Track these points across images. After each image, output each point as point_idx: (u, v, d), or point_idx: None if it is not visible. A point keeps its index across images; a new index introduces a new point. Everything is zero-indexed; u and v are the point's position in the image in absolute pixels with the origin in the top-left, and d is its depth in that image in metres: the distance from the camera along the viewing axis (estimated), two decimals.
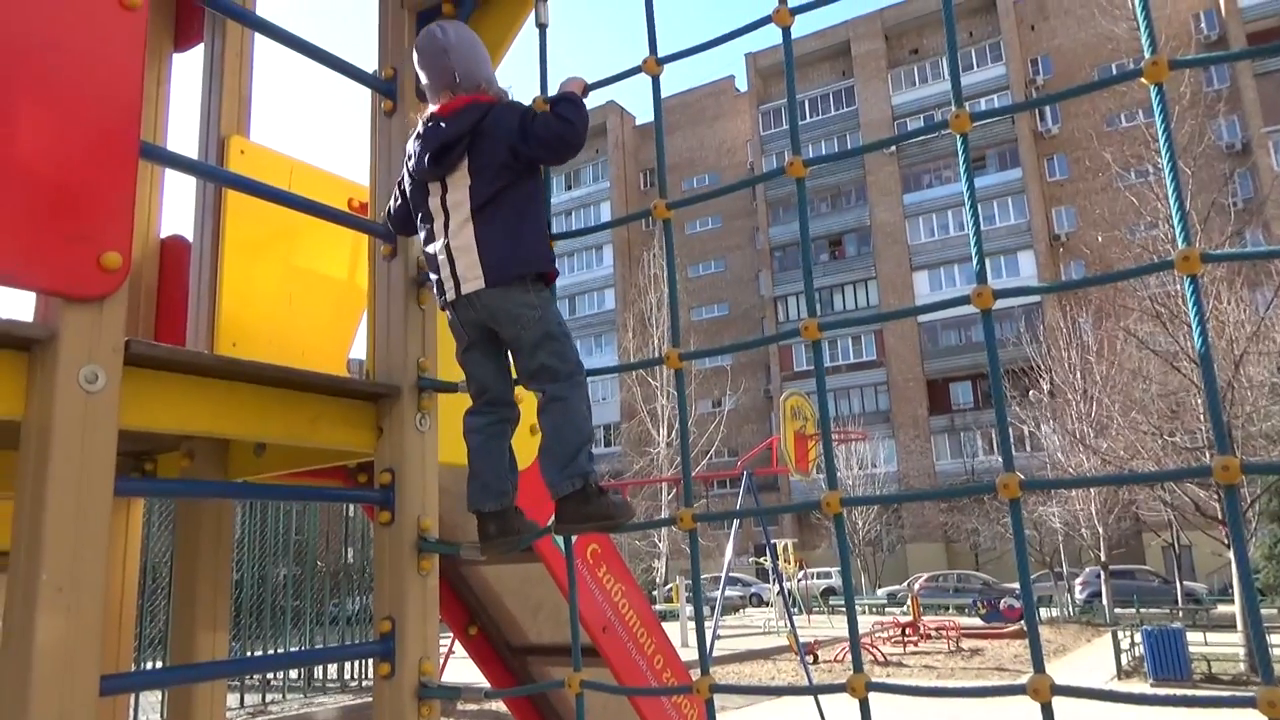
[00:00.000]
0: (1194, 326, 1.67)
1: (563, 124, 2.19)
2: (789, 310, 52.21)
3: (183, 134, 3.75)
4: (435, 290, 2.22)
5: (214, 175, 2.61)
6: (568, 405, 2.14)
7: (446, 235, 2.16)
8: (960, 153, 1.88)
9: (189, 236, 2.75)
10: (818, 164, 2.19)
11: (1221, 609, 23.72)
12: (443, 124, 2.19)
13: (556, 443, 2.11)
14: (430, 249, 2.21)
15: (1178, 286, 15.33)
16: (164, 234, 2.88)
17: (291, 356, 2.56)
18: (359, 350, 2.76)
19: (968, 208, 1.84)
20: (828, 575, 38.31)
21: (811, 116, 53.57)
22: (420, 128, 2.25)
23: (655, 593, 29.43)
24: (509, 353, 2.22)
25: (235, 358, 2.17)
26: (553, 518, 2.14)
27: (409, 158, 2.26)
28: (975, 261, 1.84)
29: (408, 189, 2.30)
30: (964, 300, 1.84)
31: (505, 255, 2.12)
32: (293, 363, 2.18)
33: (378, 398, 2.30)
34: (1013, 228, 46.94)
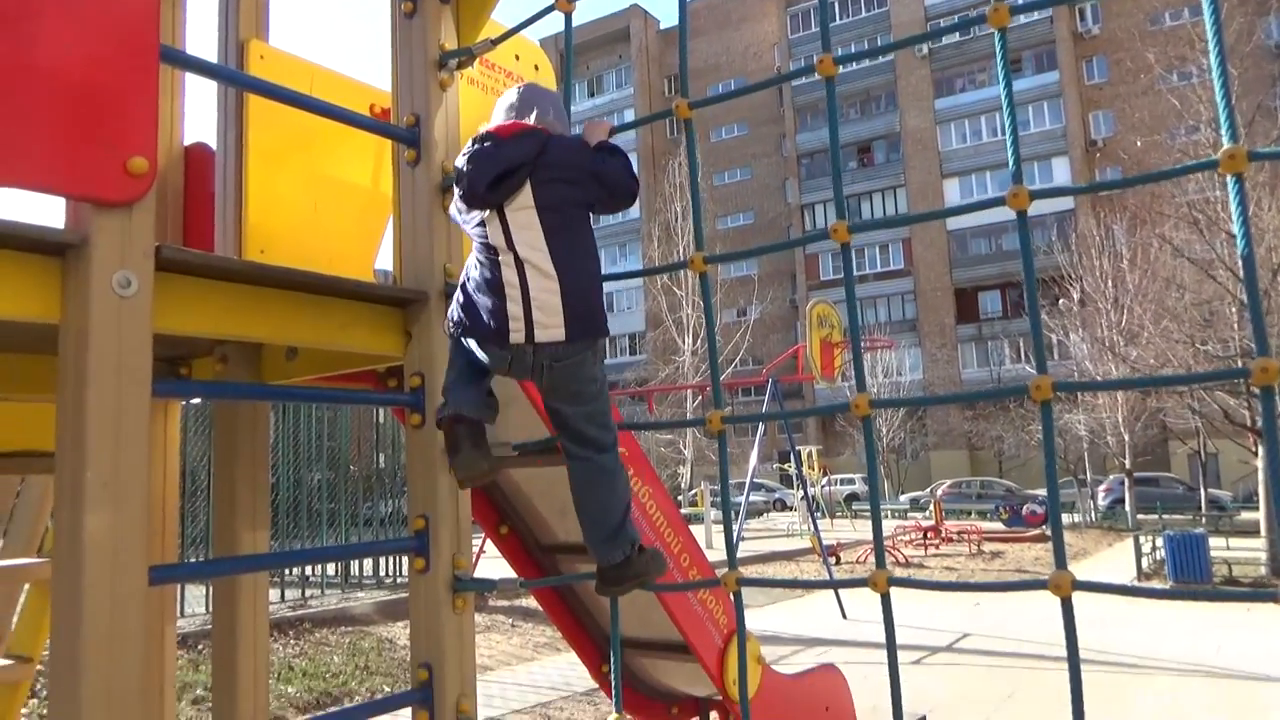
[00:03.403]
0: (1236, 228, 1.63)
1: (633, 181, 2.10)
2: (815, 218, 51.47)
3: (201, 39, 3.70)
4: (485, 332, 2.03)
5: (235, 79, 2.58)
6: (613, 476, 2.15)
7: (521, 273, 2.00)
8: (998, 49, 1.82)
9: (212, 145, 2.74)
10: (849, 61, 2.13)
11: (1245, 515, 23.84)
12: (501, 147, 2.01)
13: (604, 514, 2.15)
14: (490, 280, 2.04)
15: (1217, 192, 14.94)
16: (187, 141, 2.87)
17: (319, 264, 2.56)
18: (385, 259, 2.77)
19: (1004, 105, 1.79)
20: (851, 481, 38.79)
21: (841, 18, 51.79)
22: (469, 147, 2.08)
23: (680, 498, 29.93)
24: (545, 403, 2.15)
25: (264, 263, 2.18)
26: (597, 580, 2.21)
27: (460, 182, 2.07)
28: (1011, 161, 1.79)
29: (457, 215, 2.14)
30: (999, 202, 1.81)
31: (589, 307, 2.03)
32: (320, 270, 2.19)
33: (406, 303, 2.31)
34: (1048, 133, 45.65)
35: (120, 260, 1.61)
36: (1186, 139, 16.42)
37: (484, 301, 2.04)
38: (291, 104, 2.22)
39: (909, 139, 49.69)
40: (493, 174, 1.99)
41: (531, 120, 2.09)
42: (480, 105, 2.54)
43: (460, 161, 2.09)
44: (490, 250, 2.05)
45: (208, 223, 2.68)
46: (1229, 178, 1.63)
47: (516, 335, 2.01)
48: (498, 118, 2.15)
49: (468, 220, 2.10)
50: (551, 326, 1.99)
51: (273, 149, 2.66)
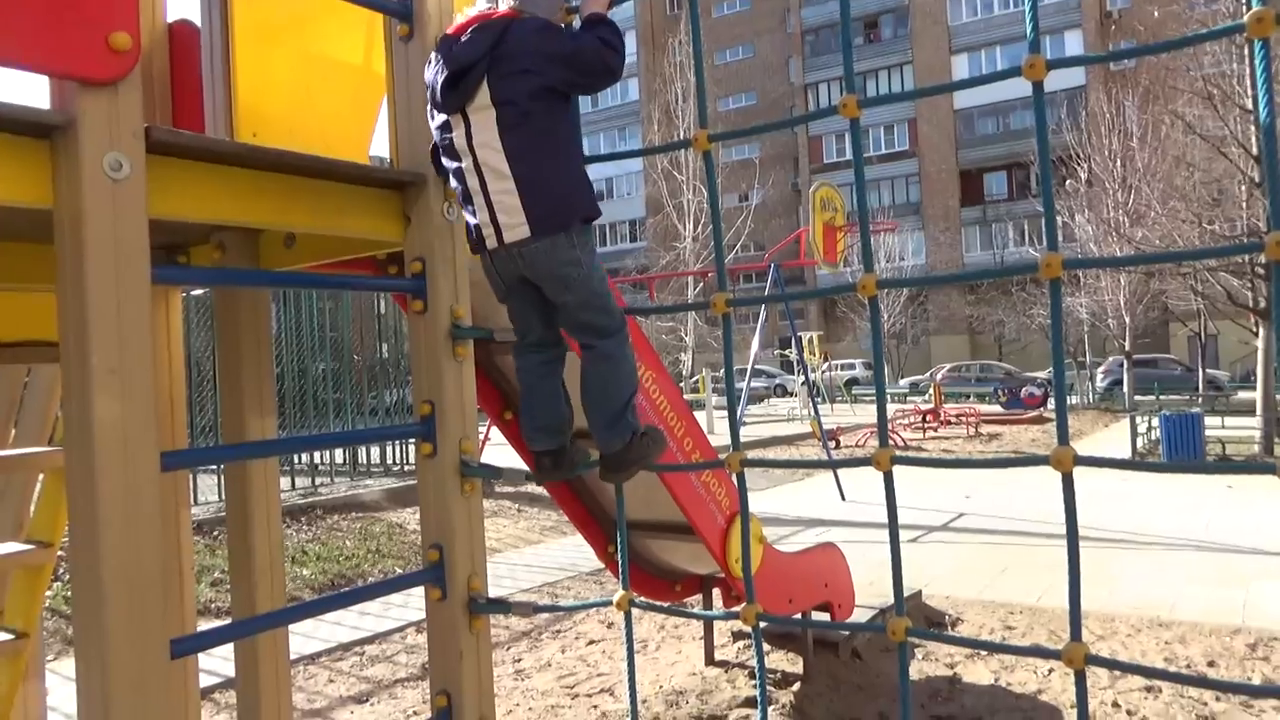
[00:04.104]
0: (1261, 96, 1.58)
1: (611, 54, 1.99)
2: (820, 98, 50.24)
3: None
4: (471, 236, 2.08)
5: None
6: (616, 363, 2.14)
7: (480, 177, 2.00)
8: None
9: (196, 22, 2.64)
10: None
11: (1242, 395, 24.08)
12: (453, 48, 1.99)
13: (605, 399, 2.14)
14: (461, 191, 2.06)
15: (1234, 65, 14.51)
16: (170, 19, 2.76)
17: (313, 147, 2.50)
18: (380, 145, 2.70)
19: None
20: (851, 366, 39.07)
21: None
22: (432, 53, 2.06)
23: (682, 384, 30.23)
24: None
25: (258, 145, 2.12)
26: (600, 466, 2.25)
27: (428, 88, 2.07)
28: (1030, 29, 1.73)
29: (432, 125, 2.11)
30: (1015, 73, 1.75)
31: (551, 199, 1.98)
32: (315, 153, 2.14)
33: (404, 186, 2.27)
34: (1061, 4, 44.05)
35: (109, 142, 1.57)
36: (1205, 9, 15.85)
37: (466, 209, 2.07)
38: None
39: (918, 12, 48.02)
40: (446, 77, 1.98)
41: (503, 6, 2.02)
42: None
43: (427, 73, 2.08)
44: (455, 156, 2.04)
45: (196, 106, 2.60)
46: (1254, 44, 1.57)
47: (490, 240, 2.04)
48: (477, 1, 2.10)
49: (435, 126, 2.09)
50: (515, 226, 1.99)
51: (261, 26, 2.56)
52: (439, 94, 2.01)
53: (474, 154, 2.00)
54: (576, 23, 2.17)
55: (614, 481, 2.31)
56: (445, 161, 2.09)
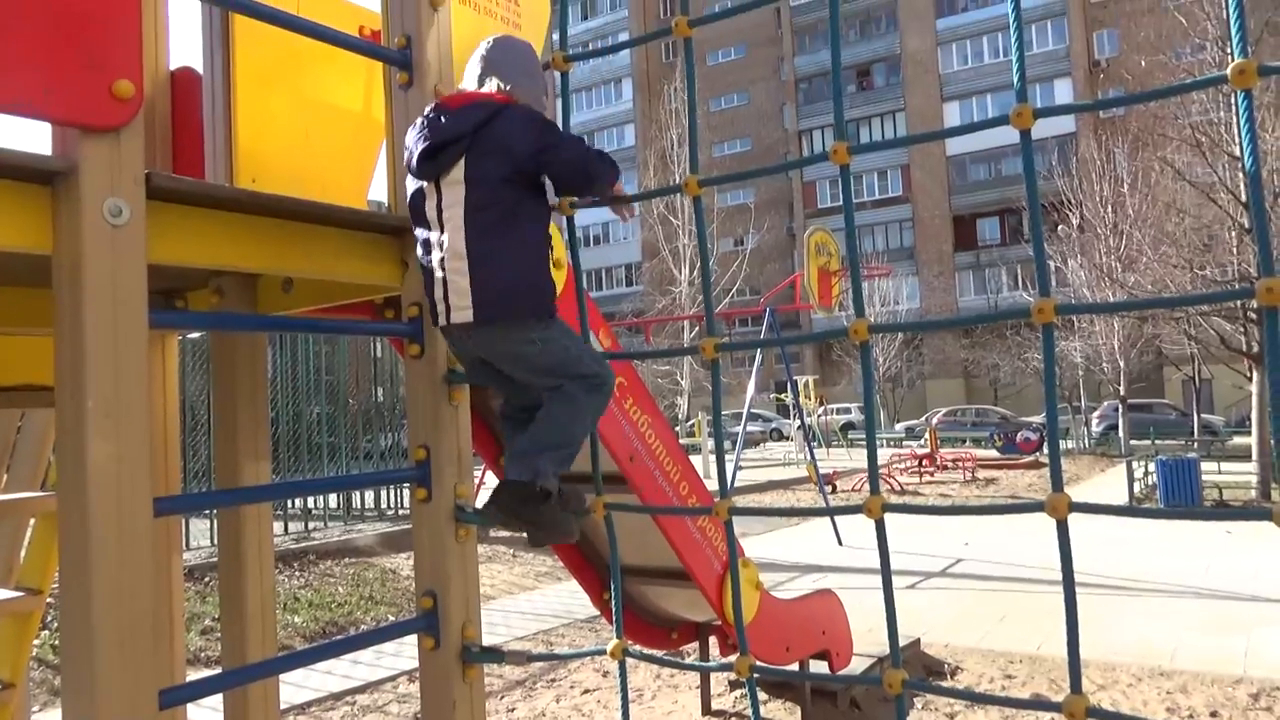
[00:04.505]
0: (1244, 144, 1.60)
1: (596, 164, 2.01)
2: (813, 144, 50.84)
3: None
4: (430, 307, 2.06)
5: None
6: (574, 406, 2.04)
7: (441, 250, 1.98)
8: None
9: (198, 69, 2.68)
10: None
11: (1237, 440, 24.07)
12: (443, 118, 1.98)
13: (540, 430, 2.03)
14: (426, 262, 2.04)
15: (1221, 114, 14.72)
16: (173, 66, 2.80)
17: (312, 192, 2.52)
18: (379, 190, 2.73)
19: (1011, 17, 1.75)
20: (847, 410, 39.06)
21: None
22: (420, 118, 2.06)
23: (678, 428, 30.16)
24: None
25: (257, 191, 2.15)
26: (492, 492, 2.08)
27: (406, 151, 2.05)
28: (1016, 78, 1.76)
29: (407, 187, 2.10)
30: (1002, 121, 1.78)
31: (500, 290, 1.93)
32: (313, 198, 2.16)
33: (401, 231, 2.28)
34: (1050, 53, 44.86)
35: (110, 188, 1.59)
36: (1192, 59, 16.12)
37: (426, 280, 2.05)
38: (278, 24, 2.16)
39: (909, 61, 48.83)
40: (429, 145, 1.97)
41: (491, 87, 2.04)
42: (473, 25, 2.47)
43: (409, 135, 2.06)
44: (424, 224, 2.03)
45: (197, 151, 2.63)
46: (1238, 94, 1.60)
47: (440, 318, 2.02)
48: (470, 72, 2.13)
49: (408, 189, 2.09)
50: (462, 308, 1.96)
51: (262, 73, 2.60)
52: (415, 160, 2.01)
53: (441, 227, 2.00)
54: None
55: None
56: (414, 228, 2.09)
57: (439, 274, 1.99)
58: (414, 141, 2.03)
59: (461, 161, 1.97)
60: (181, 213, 1.83)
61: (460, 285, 1.95)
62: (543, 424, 2.04)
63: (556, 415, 2.04)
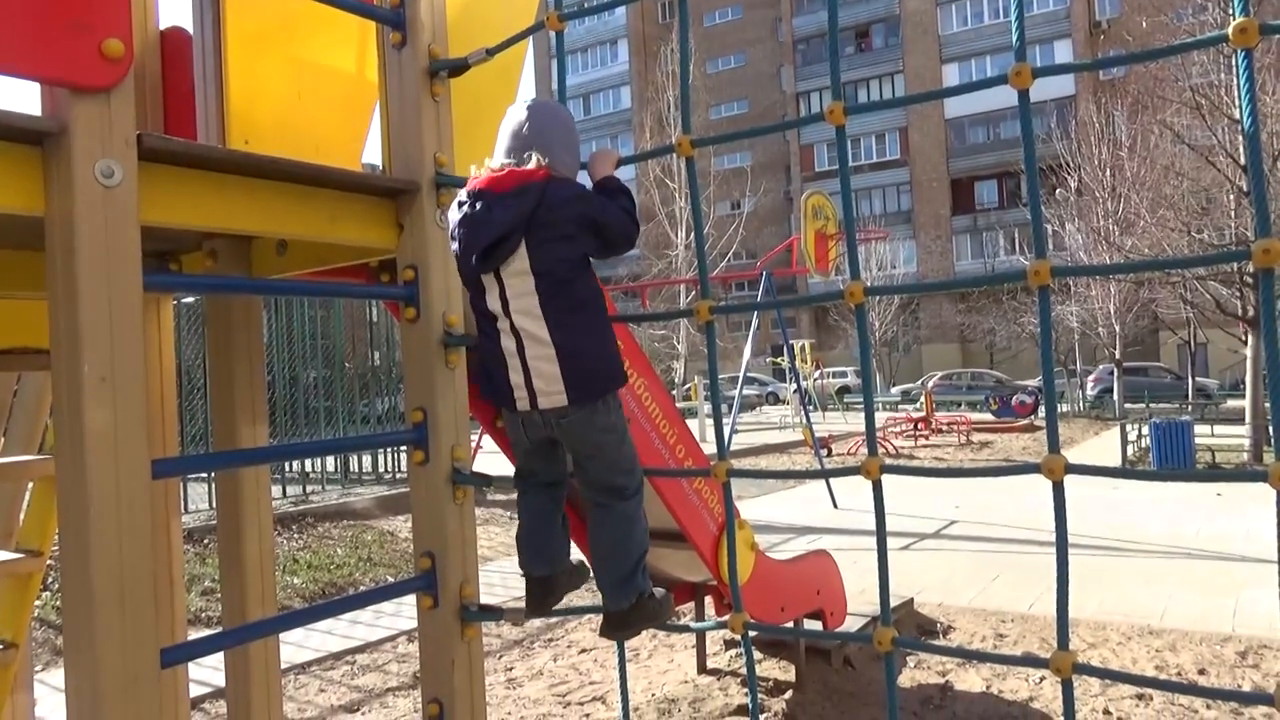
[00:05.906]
0: (1243, 105, 1.59)
1: (634, 228, 2.02)
2: (811, 106, 50.39)
3: None
4: (496, 397, 2.07)
5: None
6: (633, 522, 2.11)
7: (518, 340, 1.97)
8: None
9: (188, 29, 2.64)
10: None
11: (1231, 403, 24.20)
12: (492, 210, 1.92)
13: (616, 557, 2.11)
14: (492, 351, 2.03)
15: (1221, 76, 14.61)
16: (162, 26, 2.76)
17: (305, 154, 2.50)
18: (373, 152, 2.70)
19: None
20: (843, 374, 39.18)
21: None
22: (461, 206, 1.99)
23: (674, 392, 30.23)
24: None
25: (250, 152, 2.13)
26: (602, 622, 2.21)
27: (454, 241, 2.01)
28: (1015, 38, 1.74)
29: (459, 275, 2.09)
30: (1001, 80, 1.76)
31: (590, 369, 1.98)
32: (307, 160, 2.14)
33: (396, 194, 2.27)
34: (1050, 14, 44.40)
35: (101, 149, 1.57)
36: (1193, 20, 15.96)
37: (493, 370, 2.04)
38: None
39: (908, 22, 48.33)
40: (485, 243, 1.93)
41: (532, 164, 1.96)
42: None
43: (453, 218, 2.02)
44: (489, 318, 2.02)
45: (188, 113, 2.60)
46: (1238, 53, 1.59)
47: (522, 404, 2.02)
48: (502, 143, 2.05)
49: (462, 278, 2.08)
50: (553, 393, 1.98)
51: (253, 34, 2.56)
52: (473, 259, 1.96)
53: (510, 318, 1.98)
54: (585, 179, 2.14)
55: (614, 639, 2.28)
56: (477, 319, 2.07)
57: (514, 361, 1.99)
58: (464, 233, 1.98)
59: (522, 250, 1.94)
60: (174, 174, 1.81)
61: (548, 371, 1.96)
62: (620, 547, 2.12)
63: (622, 538, 2.12)
